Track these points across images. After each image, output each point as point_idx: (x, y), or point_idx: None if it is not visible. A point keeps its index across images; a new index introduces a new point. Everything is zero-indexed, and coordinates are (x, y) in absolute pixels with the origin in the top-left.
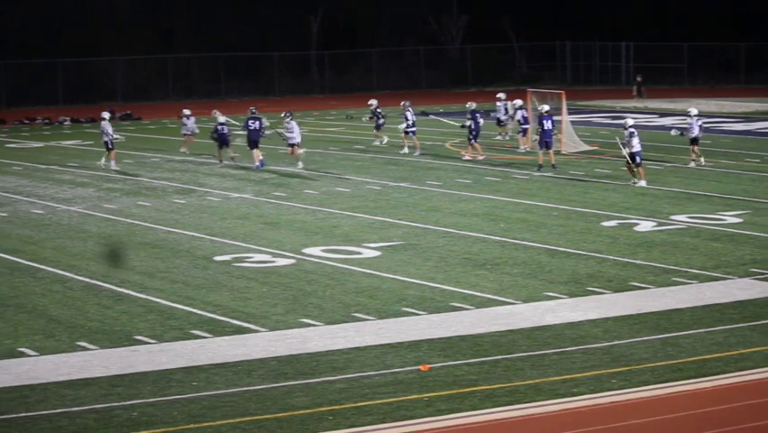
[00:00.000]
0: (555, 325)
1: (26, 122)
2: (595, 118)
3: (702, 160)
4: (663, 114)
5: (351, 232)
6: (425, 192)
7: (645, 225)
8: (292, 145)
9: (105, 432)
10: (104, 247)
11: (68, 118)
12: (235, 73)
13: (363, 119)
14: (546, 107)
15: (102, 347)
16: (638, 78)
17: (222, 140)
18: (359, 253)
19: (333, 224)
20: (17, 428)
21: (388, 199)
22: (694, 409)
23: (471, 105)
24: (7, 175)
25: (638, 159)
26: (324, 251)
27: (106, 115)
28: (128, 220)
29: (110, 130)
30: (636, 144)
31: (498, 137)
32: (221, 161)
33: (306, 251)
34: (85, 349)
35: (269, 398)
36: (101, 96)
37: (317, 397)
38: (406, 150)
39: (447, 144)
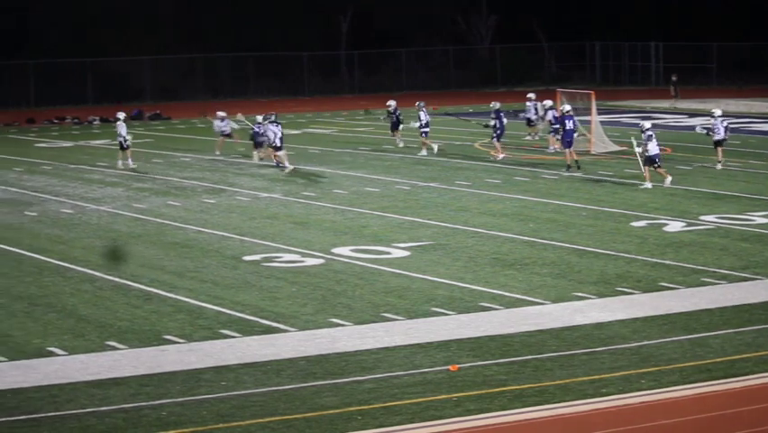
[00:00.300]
0: (584, 325)
1: (55, 121)
2: (624, 118)
3: (719, 166)
4: (693, 114)
5: (380, 232)
6: (455, 192)
7: (674, 226)
8: (276, 147)
9: (133, 431)
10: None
11: (97, 118)
12: (264, 73)
13: (381, 118)
14: (568, 107)
15: (131, 347)
16: (673, 78)
17: (257, 140)
18: (388, 253)
19: (363, 224)
20: (46, 427)
21: (418, 199)
22: (723, 410)
23: (496, 104)
24: (36, 174)
25: (658, 161)
26: (353, 251)
27: (121, 115)
28: (157, 220)
29: (123, 131)
30: (654, 147)
31: (528, 137)
32: (257, 160)
33: (336, 251)
34: (114, 349)
35: (298, 397)
36: (130, 95)
37: (346, 397)
38: (424, 152)
39: (476, 144)
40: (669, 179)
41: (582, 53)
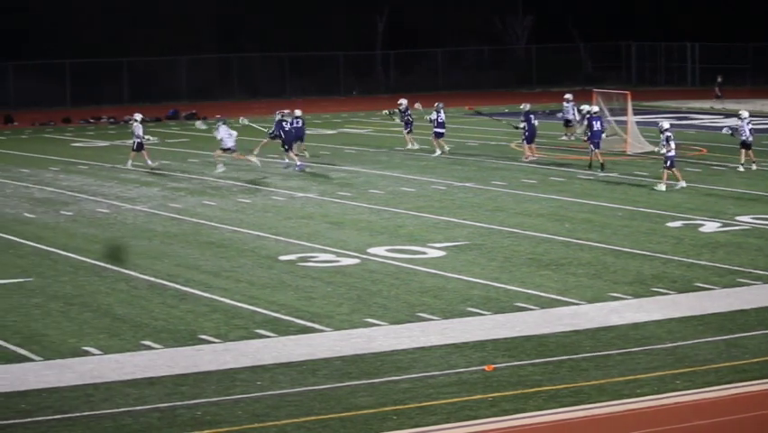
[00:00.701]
0: (620, 325)
1: (91, 121)
2: (660, 119)
3: (754, 166)
4: (728, 115)
5: (415, 232)
6: (490, 192)
7: (710, 226)
8: (228, 150)
9: (168, 431)
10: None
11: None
12: (300, 73)
13: (386, 113)
14: (595, 108)
15: (166, 346)
16: (719, 79)
17: (297, 135)
18: (424, 253)
19: (398, 223)
20: (81, 426)
21: (453, 199)
22: (759, 411)
23: (526, 106)
24: (72, 174)
25: (669, 162)
26: (388, 250)
27: (138, 116)
28: (193, 219)
29: (140, 132)
30: (673, 148)
31: (564, 137)
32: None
33: (371, 250)
34: (149, 348)
35: (334, 397)
36: (166, 95)
37: (381, 397)
38: (442, 151)
39: (512, 145)
40: (683, 183)
41: (618, 54)
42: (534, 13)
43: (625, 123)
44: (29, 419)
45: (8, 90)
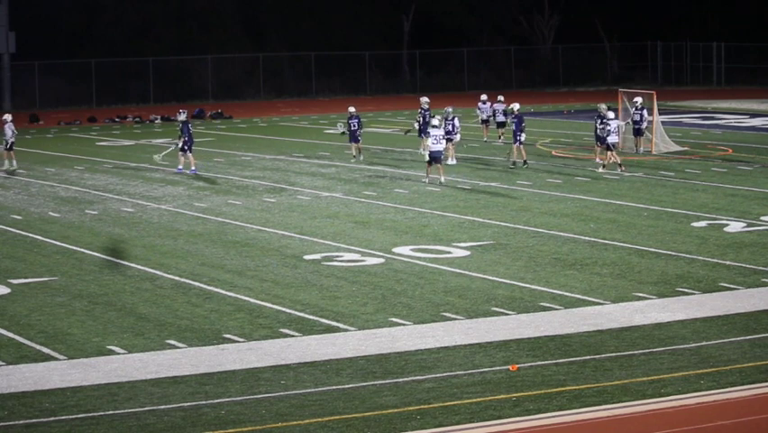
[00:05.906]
0: (644, 325)
1: (117, 120)
2: (686, 119)
3: (621, 169)
4: (754, 114)
5: (440, 231)
6: (516, 192)
7: (735, 226)
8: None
9: (192, 430)
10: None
11: (158, 116)
12: (326, 72)
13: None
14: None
15: (190, 345)
16: None
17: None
18: (448, 253)
19: (423, 223)
20: (105, 425)
21: (479, 199)
22: None
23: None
24: (98, 173)
25: (440, 158)
26: (413, 250)
27: (8, 117)
28: (218, 219)
29: (9, 133)
30: (435, 147)
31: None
32: (355, 156)
33: (396, 250)
34: (173, 347)
35: (358, 397)
36: (192, 94)
37: (406, 396)
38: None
39: (537, 144)
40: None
41: (644, 53)
42: (561, 13)
43: (650, 122)
44: (53, 418)
45: (34, 89)
